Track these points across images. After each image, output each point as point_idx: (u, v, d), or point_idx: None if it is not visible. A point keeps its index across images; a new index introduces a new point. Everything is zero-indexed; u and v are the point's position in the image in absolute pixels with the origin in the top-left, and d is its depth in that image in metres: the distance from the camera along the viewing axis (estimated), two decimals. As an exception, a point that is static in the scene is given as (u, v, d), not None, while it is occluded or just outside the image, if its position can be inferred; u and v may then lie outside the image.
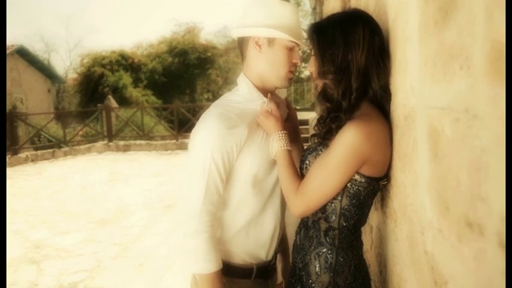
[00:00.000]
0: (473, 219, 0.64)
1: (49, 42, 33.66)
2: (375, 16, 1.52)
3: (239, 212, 1.36)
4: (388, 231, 1.37)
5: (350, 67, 1.18)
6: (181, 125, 11.89)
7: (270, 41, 1.31)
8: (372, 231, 1.75)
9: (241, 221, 1.36)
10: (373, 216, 1.67)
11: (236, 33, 1.39)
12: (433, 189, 0.85)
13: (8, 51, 16.01)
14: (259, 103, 1.35)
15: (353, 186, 1.18)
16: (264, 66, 1.34)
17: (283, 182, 1.27)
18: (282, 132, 1.30)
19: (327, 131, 1.24)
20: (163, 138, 12.03)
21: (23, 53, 18.41)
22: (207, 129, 1.27)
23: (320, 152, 1.24)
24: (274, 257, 1.50)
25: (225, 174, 1.29)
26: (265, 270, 1.45)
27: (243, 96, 1.37)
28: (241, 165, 1.31)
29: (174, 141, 11.25)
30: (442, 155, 0.79)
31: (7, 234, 4.69)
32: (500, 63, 0.54)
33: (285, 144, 1.29)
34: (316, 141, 1.33)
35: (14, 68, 17.51)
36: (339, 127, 1.16)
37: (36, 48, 25.39)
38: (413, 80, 0.98)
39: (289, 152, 1.30)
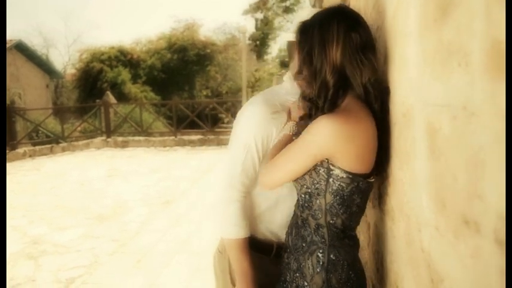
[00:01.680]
0: (470, 216, 0.64)
1: (48, 37, 33.58)
2: (374, 13, 1.52)
3: (266, 192, 1.46)
4: (385, 228, 1.37)
5: (324, 64, 1.19)
6: (180, 122, 11.87)
7: None
8: (369, 228, 1.75)
9: (268, 201, 1.48)
10: (371, 214, 1.67)
11: (285, 37, 1.55)
12: (430, 186, 0.85)
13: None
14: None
15: (335, 182, 1.17)
16: None
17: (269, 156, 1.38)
18: (295, 122, 1.40)
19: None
20: (161, 134, 12.02)
21: (21, 48, 18.36)
22: (254, 112, 1.43)
23: None
24: None
25: (262, 154, 1.43)
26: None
27: (286, 89, 1.52)
28: None
29: (173, 137, 11.24)
30: (439, 153, 0.79)
31: (5, 229, 4.69)
32: (499, 60, 0.53)
33: (291, 131, 1.38)
34: None
35: (12, 63, 17.46)
36: None
37: (34, 43, 25.22)
38: (411, 77, 0.98)
39: (291, 137, 1.38)
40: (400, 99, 1.11)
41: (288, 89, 1.52)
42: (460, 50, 0.66)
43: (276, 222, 1.50)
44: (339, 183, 1.17)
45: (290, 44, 1.52)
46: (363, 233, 1.94)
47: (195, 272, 3.53)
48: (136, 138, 11.36)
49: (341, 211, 1.20)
